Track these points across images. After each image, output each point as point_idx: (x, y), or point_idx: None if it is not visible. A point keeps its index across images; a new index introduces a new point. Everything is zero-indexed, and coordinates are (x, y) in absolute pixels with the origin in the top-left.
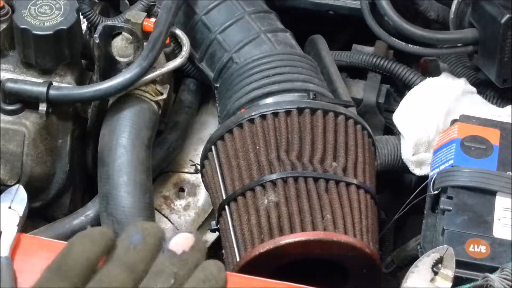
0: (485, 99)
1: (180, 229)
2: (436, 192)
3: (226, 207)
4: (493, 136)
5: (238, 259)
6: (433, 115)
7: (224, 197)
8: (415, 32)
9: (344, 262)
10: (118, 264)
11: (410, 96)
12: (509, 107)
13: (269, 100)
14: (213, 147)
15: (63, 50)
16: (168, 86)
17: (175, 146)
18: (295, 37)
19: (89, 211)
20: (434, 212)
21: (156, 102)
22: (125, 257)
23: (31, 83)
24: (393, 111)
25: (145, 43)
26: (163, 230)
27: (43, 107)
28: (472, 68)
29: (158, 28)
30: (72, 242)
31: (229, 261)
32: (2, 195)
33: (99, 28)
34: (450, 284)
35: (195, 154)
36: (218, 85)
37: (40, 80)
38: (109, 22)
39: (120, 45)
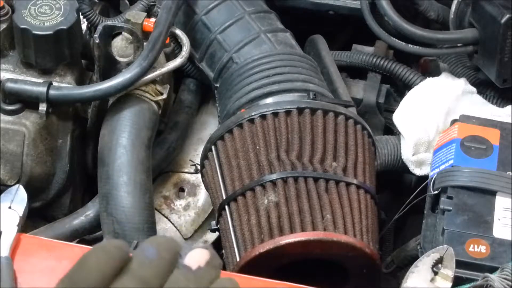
0: (485, 99)
1: (197, 244)
2: (436, 192)
3: (226, 207)
4: (493, 136)
5: (238, 259)
6: (433, 115)
7: (224, 197)
8: (415, 32)
9: (344, 262)
10: (133, 278)
11: (410, 96)
12: (509, 107)
13: (269, 100)
14: (213, 147)
15: (63, 50)
16: (168, 86)
17: (175, 146)
18: (295, 37)
19: (89, 211)
20: (434, 212)
21: (156, 102)
22: (140, 272)
23: (31, 83)
24: (393, 111)
25: (145, 43)
26: (179, 244)
27: (43, 107)
28: (472, 68)
29: (158, 28)
30: (87, 254)
31: (229, 261)
32: (2, 195)
33: (99, 28)
34: (450, 284)
35: (195, 154)
36: (218, 85)
37: (40, 80)
38: (109, 22)
39: (120, 45)
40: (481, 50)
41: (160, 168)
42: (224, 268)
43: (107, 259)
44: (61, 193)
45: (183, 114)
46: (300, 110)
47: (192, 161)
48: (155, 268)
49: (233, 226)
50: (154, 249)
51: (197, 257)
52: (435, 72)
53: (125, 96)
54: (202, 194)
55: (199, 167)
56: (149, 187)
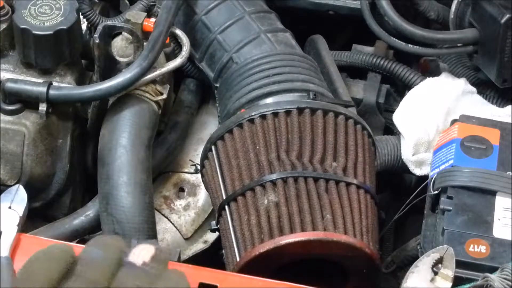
0: (485, 99)
1: (143, 240)
2: (436, 192)
3: (226, 207)
4: (493, 136)
5: (238, 259)
6: (433, 115)
7: (224, 197)
8: (415, 32)
9: (344, 262)
10: (80, 280)
11: (410, 96)
12: (509, 107)
13: (269, 100)
14: (213, 147)
15: (63, 50)
16: (168, 86)
17: (175, 146)
18: (295, 37)
19: (89, 211)
20: (434, 212)
21: (156, 102)
22: (86, 273)
23: (31, 83)
24: (393, 111)
25: (145, 43)
26: (124, 242)
27: (43, 107)
28: (472, 68)
29: (158, 28)
30: (30, 260)
31: (229, 261)
32: (2, 195)
33: (99, 28)
34: (450, 284)
35: (195, 154)
36: (218, 85)
37: (40, 80)
38: (109, 22)
39: (120, 45)
40: (481, 50)
41: (160, 168)
42: (224, 268)
43: (51, 263)
44: (61, 193)
45: (183, 114)
46: (300, 110)
47: (192, 161)
48: (101, 268)
49: (233, 226)
50: (99, 249)
51: (141, 253)
52: (435, 72)
53: (125, 96)
54: (202, 194)
55: (199, 167)
56: (149, 187)
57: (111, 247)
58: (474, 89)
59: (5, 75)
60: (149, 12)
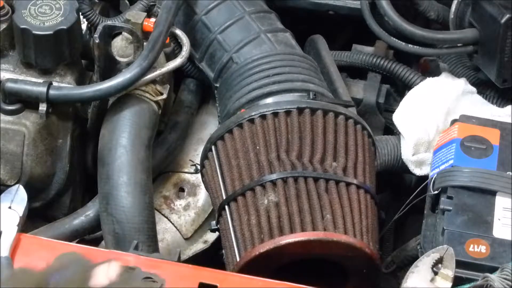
0: (485, 99)
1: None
2: (436, 192)
3: (226, 207)
4: (493, 136)
5: (238, 259)
6: (433, 115)
7: (224, 197)
8: (415, 32)
9: (344, 262)
10: None
11: (410, 96)
12: (509, 107)
13: (269, 100)
14: (213, 147)
15: (63, 50)
16: (168, 86)
17: (175, 146)
18: (295, 37)
19: (89, 211)
20: (434, 212)
21: (156, 102)
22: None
23: (31, 83)
24: (393, 111)
25: (145, 43)
26: (89, 262)
27: (43, 107)
28: (472, 68)
29: (158, 28)
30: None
31: (229, 261)
32: (2, 195)
33: (99, 28)
34: (450, 284)
35: (195, 154)
36: (218, 85)
37: (40, 80)
38: (109, 22)
39: (120, 45)
40: (481, 50)
41: (160, 168)
42: (224, 268)
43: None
44: (61, 193)
45: (183, 114)
46: (300, 110)
47: (192, 161)
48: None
49: (233, 226)
50: (66, 268)
51: (107, 271)
52: (435, 72)
53: (125, 96)
54: (202, 194)
55: (199, 167)
56: (149, 187)
57: (78, 265)
58: (474, 89)
59: (5, 75)
60: (149, 12)
